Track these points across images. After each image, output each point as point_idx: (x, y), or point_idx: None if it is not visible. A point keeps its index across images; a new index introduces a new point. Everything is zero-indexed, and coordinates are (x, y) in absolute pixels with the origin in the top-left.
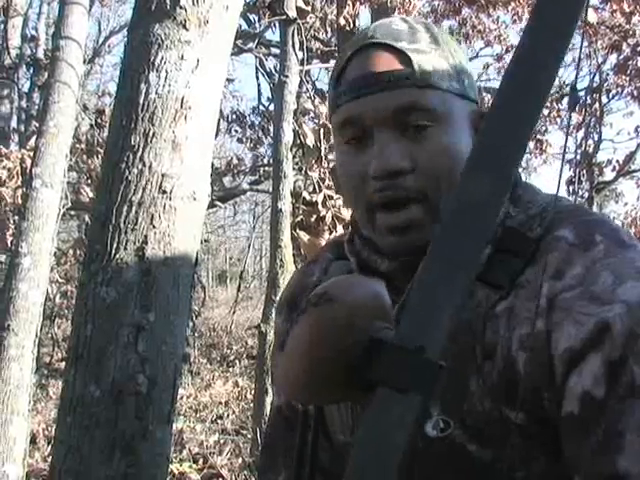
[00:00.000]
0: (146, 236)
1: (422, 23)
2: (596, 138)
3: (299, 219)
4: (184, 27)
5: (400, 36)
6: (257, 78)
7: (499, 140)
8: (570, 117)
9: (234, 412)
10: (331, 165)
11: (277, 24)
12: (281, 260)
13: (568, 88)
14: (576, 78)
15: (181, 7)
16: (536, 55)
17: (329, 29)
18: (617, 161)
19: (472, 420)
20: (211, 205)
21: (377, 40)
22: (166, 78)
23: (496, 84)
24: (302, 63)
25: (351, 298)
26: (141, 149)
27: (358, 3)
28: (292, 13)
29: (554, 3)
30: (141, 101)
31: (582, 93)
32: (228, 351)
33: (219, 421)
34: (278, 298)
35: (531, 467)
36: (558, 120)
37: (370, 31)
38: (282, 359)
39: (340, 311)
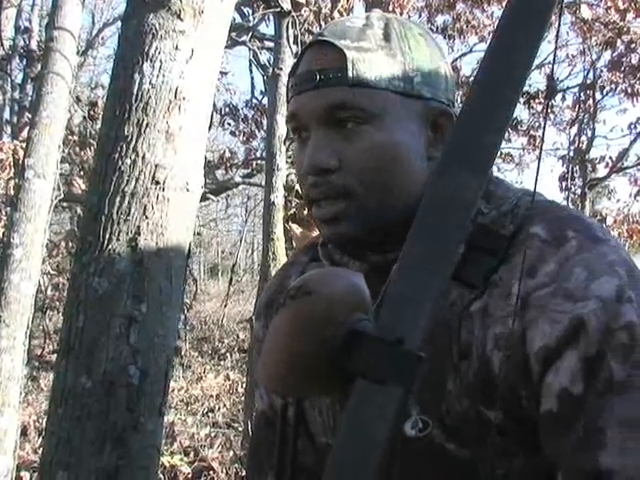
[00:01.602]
0: (139, 227)
1: (385, 19)
2: (589, 135)
3: (292, 212)
4: (179, 17)
5: (346, 34)
6: (250, 71)
7: (474, 133)
8: (548, 105)
9: (225, 405)
10: None
11: (271, 17)
12: (273, 253)
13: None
14: (552, 69)
15: None
16: (511, 47)
17: (323, 23)
18: (610, 158)
19: (450, 419)
20: (203, 198)
21: (323, 38)
22: (160, 68)
23: None
24: (296, 56)
25: (329, 290)
26: (134, 139)
27: None
28: (287, 6)
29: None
30: (135, 91)
31: (576, 90)
32: (219, 344)
33: (210, 414)
34: (257, 302)
35: (511, 464)
36: (551, 116)
37: (324, 28)
38: (262, 352)
39: (318, 303)
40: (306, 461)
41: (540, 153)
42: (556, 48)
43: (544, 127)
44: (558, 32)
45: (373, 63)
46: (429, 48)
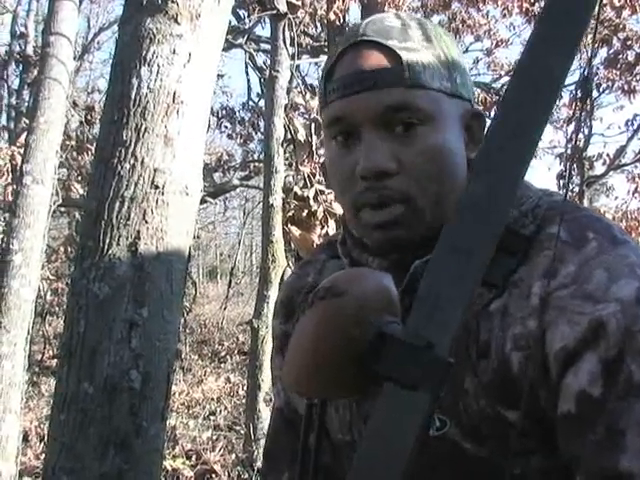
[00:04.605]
0: (139, 231)
1: (416, 19)
2: (586, 132)
3: (290, 214)
4: (176, 21)
5: (391, 34)
6: (247, 74)
7: (508, 140)
8: (583, 108)
9: (226, 408)
10: (322, 160)
11: (267, 19)
12: (273, 255)
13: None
14: (590, 69)
15: (173, 1)
16: (549, 50)
17: (319, 24)
18: (607, 155)
19: (468, 418)
20: (201, 201)
21: (367, 37)
22: (158, 72)
23: (486, 79)
24: (292, 58)
25: (359, 290)
26: (133, 144)
27: None
28: (283, 7)
29: (562, 6)
30: (133, 96)
31: (572, 87)
32: (219, 347)
33: (211, 417)
34: (274, 301)
35: (528, 463)
36: None
37: (362, 27)
38: (289, 352)
39: (348, 304)
40: (324, 459)
41: (572, 156)
42: (593, 50)
43: (577, 129)
44: (595, 35)
45: (424, 63)
46: (457, 48)
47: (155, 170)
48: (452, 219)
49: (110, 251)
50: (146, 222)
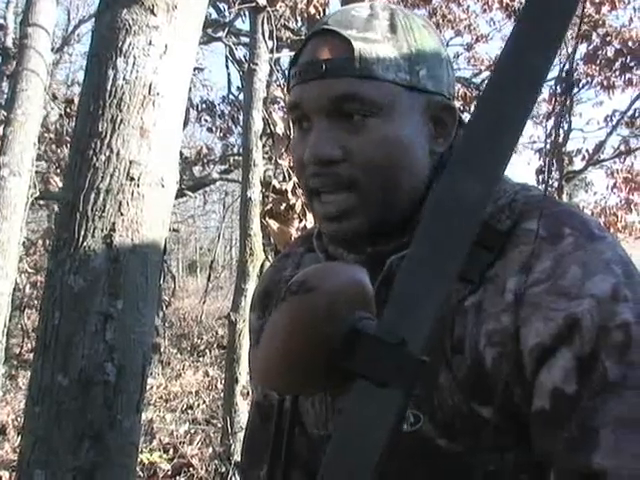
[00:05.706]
0: (114, 223)
1: (389, 10)
2: (566, 127)
3: (269, 207)
4: (152, 12)
5: (352, 23)
6: (227, 67)
7: (487, 136)
8: (565, 102)
9: (204, 402)
10: None
11: (247, 12)
12: (251, 249)
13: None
14: (571, 64)
15: None
16: (527, 47)
17: (299, 18)
18: (587, 150)
19: (442, 414)
20: (181, 195)
21: (327, 27)
22: (134, 64)
23: (466, 74)
24: (272, 51)
25: (331, 285)
26: (109, 136)
27: None
28: (262, 1)
29: (545, 2)
30: (109, 87)
31: (552, 82)
32: (198, 341)
33: (189, 411)
34: (251, 295)
35: (503, 459)
36: None
37: (328, 17)
38: (260, 348)
39: (320, 299)
40: (301, 453)
41: (552, 151)
42: (576, 44)
43: (558, 125)
44: (579, 30)
45: (380, 54)
46: (433, 40)
47: (131, 162)
48: (428, 215)
49: (85, 243)
50: (121, 214)
